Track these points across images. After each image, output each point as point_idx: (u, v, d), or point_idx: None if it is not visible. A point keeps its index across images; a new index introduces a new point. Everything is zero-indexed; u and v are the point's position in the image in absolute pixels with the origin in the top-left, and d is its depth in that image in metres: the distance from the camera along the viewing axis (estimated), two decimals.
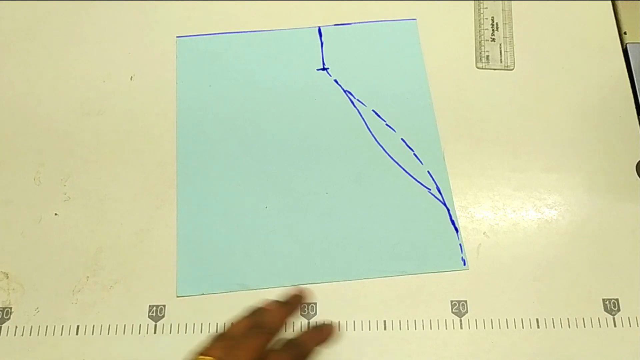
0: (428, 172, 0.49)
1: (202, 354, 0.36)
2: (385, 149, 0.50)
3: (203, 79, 0.53)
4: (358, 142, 0.50)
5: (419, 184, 0.49)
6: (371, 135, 0.50)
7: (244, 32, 0.54)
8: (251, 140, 0.50)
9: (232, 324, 0.39)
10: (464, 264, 0.46)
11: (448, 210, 0.48)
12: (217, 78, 0.53)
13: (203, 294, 0.45)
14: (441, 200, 0.48)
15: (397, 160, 0.49)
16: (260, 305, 0.39)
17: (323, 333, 0.40)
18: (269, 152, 0.50)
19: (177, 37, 0.54)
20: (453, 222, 0.47)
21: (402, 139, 0.50)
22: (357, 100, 0.52)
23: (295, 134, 0.50)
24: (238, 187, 0.48)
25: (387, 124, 0.51)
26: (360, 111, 0.51)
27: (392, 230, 0.47)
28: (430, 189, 0.48)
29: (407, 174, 0.49)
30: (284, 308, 0.40)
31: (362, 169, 0.49)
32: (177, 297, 0.45)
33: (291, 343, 0.38)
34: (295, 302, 0.42)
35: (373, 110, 0.51)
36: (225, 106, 0.51)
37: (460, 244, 0.46)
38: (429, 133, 0.50)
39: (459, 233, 0.47)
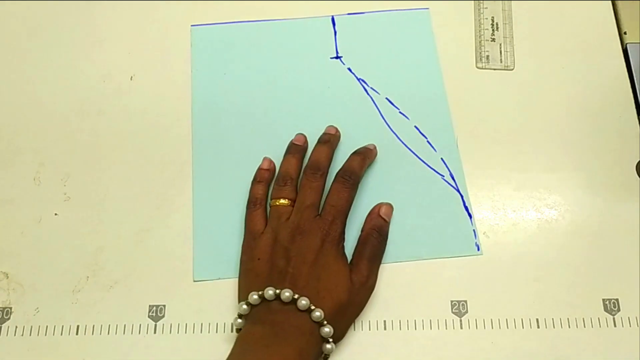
0: (441, 159, 0.49)
1: (274, 198, 0.45)
2: (399, 136, 0.50)
3: (218, 67, 0.53)
4: (372, 130, 0.50)
5: (432, 171, 0.49)
6: (385, 123, 0.50)
7: (258, 21, 0.55)
8: (266, 128, 0.50)
9: (282, 164, 0.48)
10: (478, 249, 0.46)
11: (461, 196, 0.48)
12: (232, 66, 0.53)
13: (219, 279, 0.45)
14: (454, 186, 0.48)
15: (410, 148, 0.49)
16: (297, 142, 0.49)
17: (365, 154, 0.47)
18: (284, 140, 0.50)
19: (191, 25, 0.55)
20: (467, 208, 0.47)
21: (415, 127, 0.50)
22: (371, 88, 0.52)
23: (310, 122, 0.50)
24: (253, 173, 0.48)
25: (400, 112, 0.51)
26: (374, 99, 0.51)
27: (406, 216, 0.47)
28: (443, 176, 0.48)
29: (420, 161, 0.49)
30: (325, 146, 0.47)
31: (377, 156, 0.49)
32: (194, 281, 0.45)
33: (343, 174, 0.46)
34: (333, 140, 0.48)
35: (386, 98, 0.51)
36: (240, 94, 0.52)
37: (474, 230, 0.47)
38: (441, 120, 0.51)
39: (472, 219, 0.47)
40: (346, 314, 0.42)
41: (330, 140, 0.48)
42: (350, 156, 0.47)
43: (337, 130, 0.49)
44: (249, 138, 0.50)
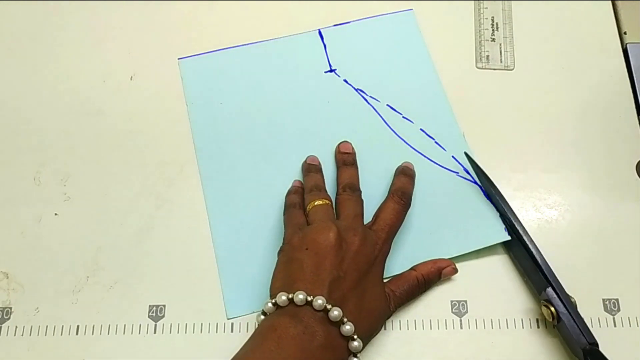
0: (452, 156, 0.49)
1: (311, 202, 0.44)
2: (407, 141, 0.50)
3: (213, 97, 0.52)
4: (379, 139, 0.50)
5: (446, 170, 0.49)
6: (391, 130, 0.50)
7: (244, 44, 0.54)
8: (274, 153, 0.49)
9: (307, 181, 0.47)
10: (508, 234, 0.46)
11: (480, 187, 0.48)
12: (227, 95, 0.52)
13: (253, 312, 0.44)
14: (472, 180, 0.48)
15: (420, 151, 0.49)
16: (313, 162, 0.48)
17: (413, 176, 0.47)
18: (294, 162, 0.49)
19: (178, 58, 0.53)
20: (489, 198, 0.47)
21: (421, 129, 0.50)
22: (370, 97, 0.51)
23: (316, 140, 0.50)
24: (268, 201, 0.48)
25: (403, 117, 0.51)
26: (376, 108, 0.51)
27: (431, 219, 0.47)
28: (458, 172, 0.48)
29: (433, 163, 0.49)
30: (353, 168, 0.47)
31: (388, 164, 0.49)
32: (228, 319, 0.44)
33: (398, 192, 0.45)
34: (355, 158, 0.48)
35: (388, 105, 0.51)
36: (241, 121, 0.51)
37: (500, 216, 0.47)
38: (445, 118, 0.50)
39: (496, 207, 0.47)
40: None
41: (354, 161, 0.48)
42: (398, 176, 0.47)
43: (352, 147, 0.49)
44: (259, 165, 0.49)
